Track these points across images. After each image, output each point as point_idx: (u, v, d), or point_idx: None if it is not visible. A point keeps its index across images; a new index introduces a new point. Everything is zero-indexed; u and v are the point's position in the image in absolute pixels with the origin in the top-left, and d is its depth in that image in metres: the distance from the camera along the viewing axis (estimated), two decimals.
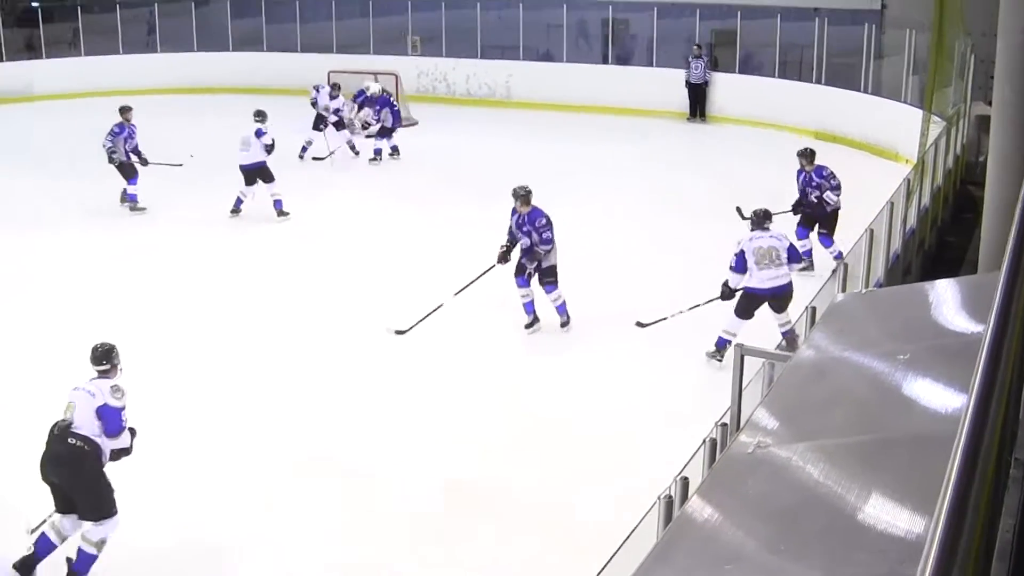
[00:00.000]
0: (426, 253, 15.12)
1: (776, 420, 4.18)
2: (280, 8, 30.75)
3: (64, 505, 7.81)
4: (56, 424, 7.75)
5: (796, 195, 14.23)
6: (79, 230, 16.74)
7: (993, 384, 2.11)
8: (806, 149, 14.41)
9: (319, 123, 22.00)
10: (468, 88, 28.79)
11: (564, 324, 12.39)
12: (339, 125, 21.99)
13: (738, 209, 15.07)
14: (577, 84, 27.37)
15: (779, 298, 11.23)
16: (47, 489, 7.80)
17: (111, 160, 17.49)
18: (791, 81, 24.94)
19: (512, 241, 12.24)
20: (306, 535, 8.56)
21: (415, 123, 25.69)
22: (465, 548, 8.46)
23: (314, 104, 22.11)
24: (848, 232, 11.90)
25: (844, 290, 9.44)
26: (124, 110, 17.76)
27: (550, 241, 12.00)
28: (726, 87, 25.72)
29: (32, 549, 7.84)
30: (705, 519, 3.63)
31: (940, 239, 15.87)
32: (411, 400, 10.90)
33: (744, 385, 6.53)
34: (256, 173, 17.34)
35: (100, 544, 7.81)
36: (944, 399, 3.83)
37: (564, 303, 12.33)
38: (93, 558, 7.80)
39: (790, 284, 11.25)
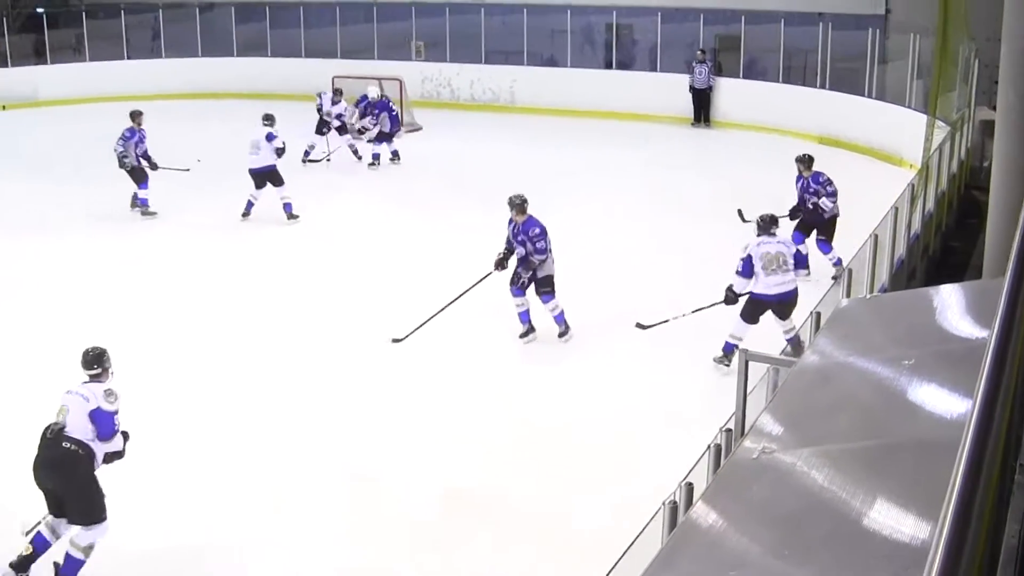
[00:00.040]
0: (430, 259, 15.12)
1: (781, 425, 4.18)
2: (284, 13, 30.78)
3: (57, 508, 7.83)
4: (49, 427, 7.77)
5: (796, 201, 14.24)
6: (87, 234, 16.80)
7: (998, 389, 2.11)
8: (804, 155, 14.41)
9: (322, 128, 22.03)
10: (472, 93, 28.81)
11: (562, 334, 12.30)
12: (341, 130, 22.02)
13: (739, 212, 15.08)
14: (581, 89, 27.38)
15: (784, 305, 11.22)
16: (40, 491, 7.83)
17: (122, 164, 17.54)
18: (795, 86, 24.94)
19: (510, 249, 12.20)
20: (308, 539, 8.57)
21: (419, 128, 25.72)
22: (462, 555, 8.46)
23: (319, 110, 22.15)
24: (852, 237, 11.89)
25: (848, 295, 9.44)
26: (135, 114, 17.83)
27: (544, 251, 11.95)
28: (730, 92, 25.72)
29: (30, 549, 7.85)
30: (710, 525, 3.62)
31: (944, 244, 15.87)
32: (412, 406, 10.91)
33: (749, 390, 6.52)
34: (266, 176, 17.43)
35: (88, 550, 7.82)
36: (949, 404, 3.83)
37: (562, 313, 12.26)
38: (80, 563, 7.82)
39: (796, 291, 11.24)
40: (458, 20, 29.23)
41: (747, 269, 11.19)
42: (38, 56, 30.48)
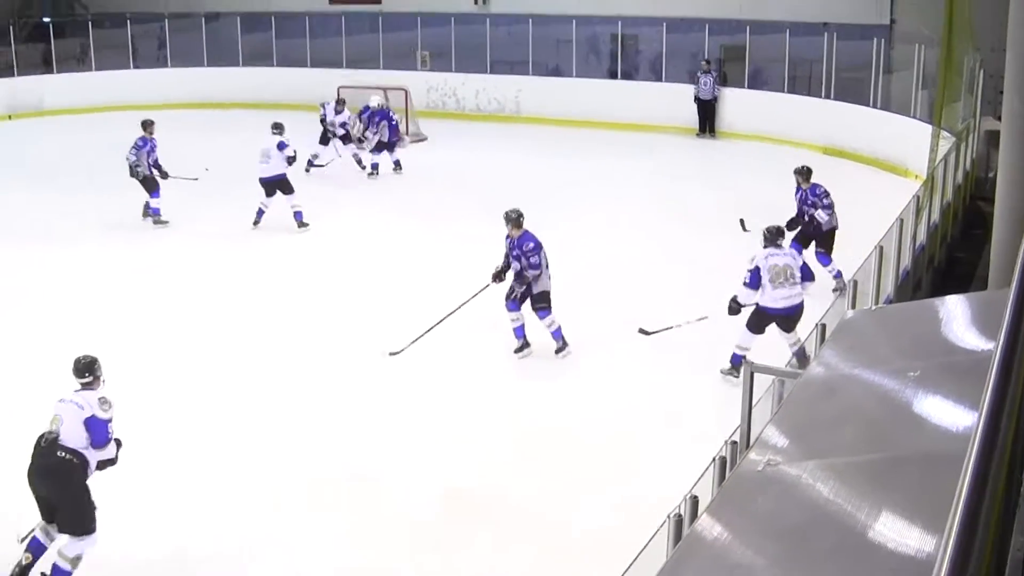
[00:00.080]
0: (434, 269, 15.12)
1: (786, 438, 4.17)
2: (290, 23, 30.83)
3: (49, 515, 7.90)
4: (43, 436, 7.83)
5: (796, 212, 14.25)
6: (96, 244, 16.85)
7: (1004, 401, 2.11)
8: (802, 167, 14.41)
9: (326, 138, 22.07)
10: (477, 103, 28.85)
11: (559, 350, 12.20)
12: (345, 139, 22.05)
13: (741, 221, 15.11)
14: (586, 99, 27.41)
15: (790, 318, 11.21)
16: (34, 497, 7.90)
17: (134, 174, 17.61)
18: (800, 96, 24.95)
19: (508, 262, 12.20)
20: (308, 540, 8.62)
21: (424, 139, 25.75)
22: (462, 556, 8.50)
23: (323, 120, 22.18)
24: (857, 248, 11.89)
25: (854, 307, 9.44)
26: (146, 124, 17.91)
27: (538, 266, 11.87)
28: (735, 102, 25.73)
29: (30, 558, 7.90)
30: (715, 537, 3.62)
31: (950, 255, 15.85)
32: (413, 410, 10.98)
33: (754, 403, 6.52)
34: (276, 185, 17.55)
35: (76, 560, 7.85)
36: (954, 416, 3.82)
37: (559, 329, 12.17)
38: (67, 575, 7.85)
39: (802, 304, 11.23)
40: (463, 30, 29.26)
41: (754, 281, 11.17)
42: (44, 65, 30.54)
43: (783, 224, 13.17)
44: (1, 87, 28.92)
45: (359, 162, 21.98)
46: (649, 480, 9.39)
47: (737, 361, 11.14)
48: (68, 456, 7.74)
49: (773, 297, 11.14)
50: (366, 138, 21.96)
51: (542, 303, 12.04)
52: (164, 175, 17.83)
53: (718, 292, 11.83)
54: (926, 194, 14.30)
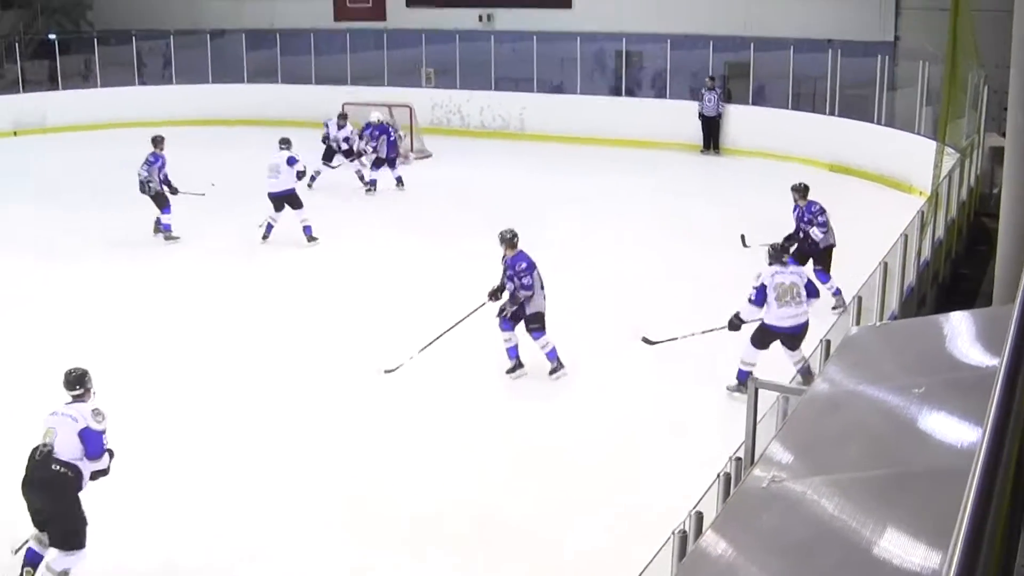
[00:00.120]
0: (438, 285, 15.10)
1: (791, 454, 4.17)
2: (294, 40, 30.90)
3: (41, 525, 7.96)
4: (37, 449, 7.88)
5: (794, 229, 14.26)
6: (101, 260, 16.96)
7: (1008, 417, 2.10)
8: (799, 184, 14.43)
9: (329, 155, 22.12)
10: (482, 120, 28.88)
11: (553, 371, 12.10)
12: (348, 154, 22.08)
13: (742, 237, 15.11)
14: (591, 116, 27.43)
15: (795, 337, 11.21)
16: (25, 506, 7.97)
17: (146, 190, 17.70)
18: (804, 113, 24.97)
19: (504, 281, 12.14)
20: (301, 558, 8.65)
21: (429, 155, 25.77)
22: (454, 575, 8.52)
23: (325, 140, 22.25)
24: (862, 264, 11.89)
25: (858, 323, 9.42)
26: (157, 140, 18.02)
27: (530, 287, 11.80)
28: (739, 119, 25.75)
29: (31, 573, 7.95)
30: (719, 554, 3.61)
31: (954, 271, 15.84)
32: (407, 428, 11.01)
33: (758, 419, 6.51)
34: (285, 199, 17.69)
35: (63, 575, 7.89)
36: (959, 432, 3.81)
37: (554, 350, 12.08)
38: None
39: (807, 323, 11.22)
40: (468, 47, 29.32)
41: (760, 298, 11.16)
42: (49, 82, 30.62)
43: (780, 241, 13.19)
44: (6, 104, 29.00)
45: (361, 178, 22.00)
46: (644, 500, 9.41)
47: (743, 378, 11.11)
48: (63, 469, 7.80)
49: (779, 316, 11.13)
50: (365, 152, 21.96)
51: (535, 324, 11.97)
52: (174, 191, 17.95)
53: (721, 308, 11.83)
54: (930, 210, 14.30)
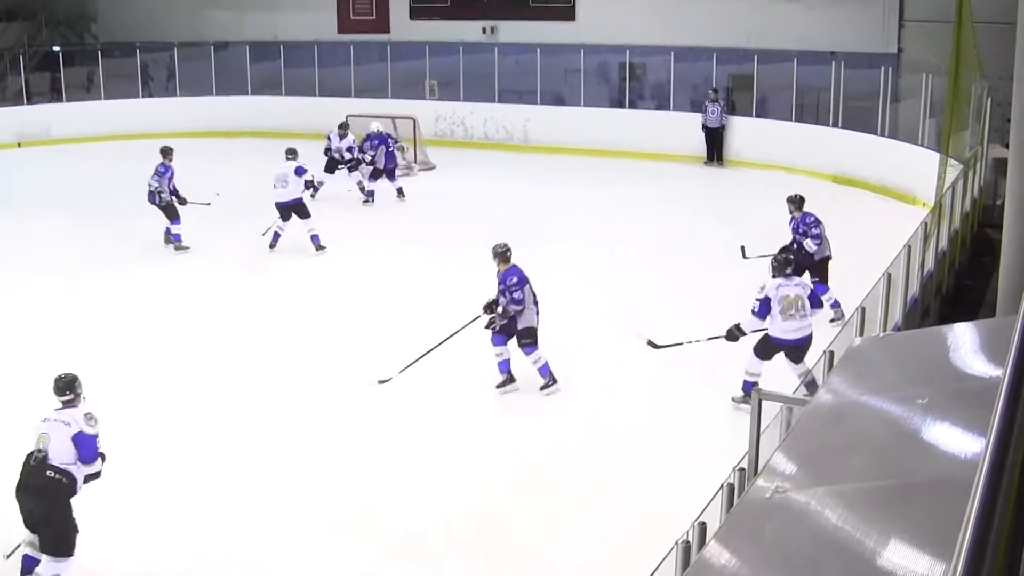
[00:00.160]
0: (440, 296, 15.10)
1: (794, 465, 4.16)
2: (299, 52, 30.94)
3: (33, 528, 8.05)
4: (31, 455, 7.95)
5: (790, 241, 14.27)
6: (104, 269, 16.99)
7: (1011, 428, 2.10)
8: (795, 195, 14.45)
9: (331, 167, 22.16)
10: (486, 132, 28.90)
11: (544, 387, 12.02)
12: (350, 164, 22.10)
13: (742, 248, 15.10)
14: (594, 128, 27.44)
15: (799, 350, 11.20)
16: (17, 511, 8.05)
17: (158, 200, 17.83)
18: (808, 125, 24.97)
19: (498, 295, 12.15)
20: (288, 564, 8.76)
21: (433, 167, 25.79)
22: None
23: (327, 151, 22.29)
24: (865, 275, 11.88)
25: (862, 334, 9.41)
26: (166, 151, 18.12)
27: (520, 301, 11.74)
28: (743, 131, 25.75)
29: None
30: (723, 564, 3.60)
31: (958, 282, 15.83)
32: (399, 440, 11.04)
33: (762, 429, 6.50)
34: (292, 209, 17.83)
35: None
36: (963, 443, 3.81)
37: (546, 365, 12.01)
38: None
39: (811, 336, 11.22)
40: (471, 59, 29.36)
41: (763, 311, 11.15)
42: (54, 94, 30.68)
43: (776, 252, 13.21)
44: (10, 115, 29.05)
45: (362, 189, 22.02)
46: (638, 514, 9.40)
47: (748, 389, 11.09)
48: (57, 476, 7.87)
49: (783, 328, 11.12)
50: (364, 160, 21.95)
51: (527, 339, 11.92)
52: (182, 201, 18.04)
53: (724, 319, 11.83)
54: (934, 221, 14.30)
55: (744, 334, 11.41)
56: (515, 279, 11.76)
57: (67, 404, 8.16)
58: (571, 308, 14.49)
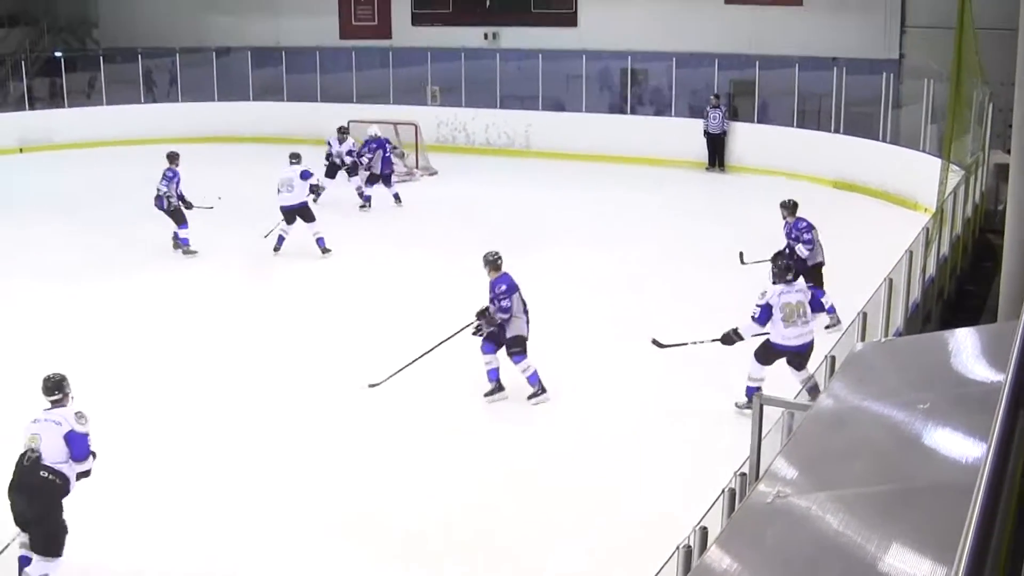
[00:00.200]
0: (441, 301, 15.07)
1: (795, 469, 4.16)
2: (300, 58, 30.96)
3: (23, 527, 8.09)
4: (24, 455, 7.99)
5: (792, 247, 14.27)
6: (106, 276, 16.99)
7: (1012, 432, 2.10)
8: (788, 200, 14.46)
9: (332, 171, 22.19)
10: (487, 138, 28.91)
11: (532, 396, 11.93)
12: (352, 169, 22.13)
13: (740, 254, 15.10)
14: (596, 134, 27.44)
15: (801, 356, 11.18)
16: (7, 509, 8.12)
17: (166, 204, 17.90)
18: (809, 130, 24.97)
19: None
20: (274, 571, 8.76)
21: (435, 173, 25.78)
22: None
23: (329, 157, 22.32)
24: (866, 281, 11.88)
25: (863, 339, 9.41)
26: (173, 156, 18.25)
27: (507, 310, 11.66)
28: (745, 136, 25.75)
29: None
30: (724, 569, 3.60)
31: (959, 288, 15.81)
32: (387, 447, 11.03)
33: (763, 434, 6.50)
34: (297, 213, 17.95)
35: None
36: (964, 448, 3.81)
37: (535, 373, 11.92)
38: None
39: (812, 342, 11.21)
40: (473, 65, 29.36)
41: (763, 317, 11.12)
42: (56, 99, 30.70)
43: (771, 257, 13.21)
44: (12, 120, 29.06)
45: (361, 194, 22.02)
46: (636, 522, 9.38)
47: (752, 394, 11.08)
48: (51, 476, 7.95)
49: (785, 335, 11.11)
50: (361, 164, 21.95)
51: (516, 347, 11.85)
52: (188, 206, 18.14)
53: (725, 323, 11.80)
54: (935, 227, 14.29)
55: (742, 339, 11.39)
56: (504, 287, 11.71)
57: (56, 404, 8.23)
58: (572, 313, 14.50)
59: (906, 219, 18.86)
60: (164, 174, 17.88)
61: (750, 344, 11.44)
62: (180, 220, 18.03)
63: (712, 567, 3.64)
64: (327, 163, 22.35)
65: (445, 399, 12.10)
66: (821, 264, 14.01)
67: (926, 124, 21.69)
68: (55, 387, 8.28)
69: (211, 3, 32.37)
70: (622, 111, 28.69)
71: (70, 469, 8.02)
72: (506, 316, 11.71)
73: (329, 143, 22.52)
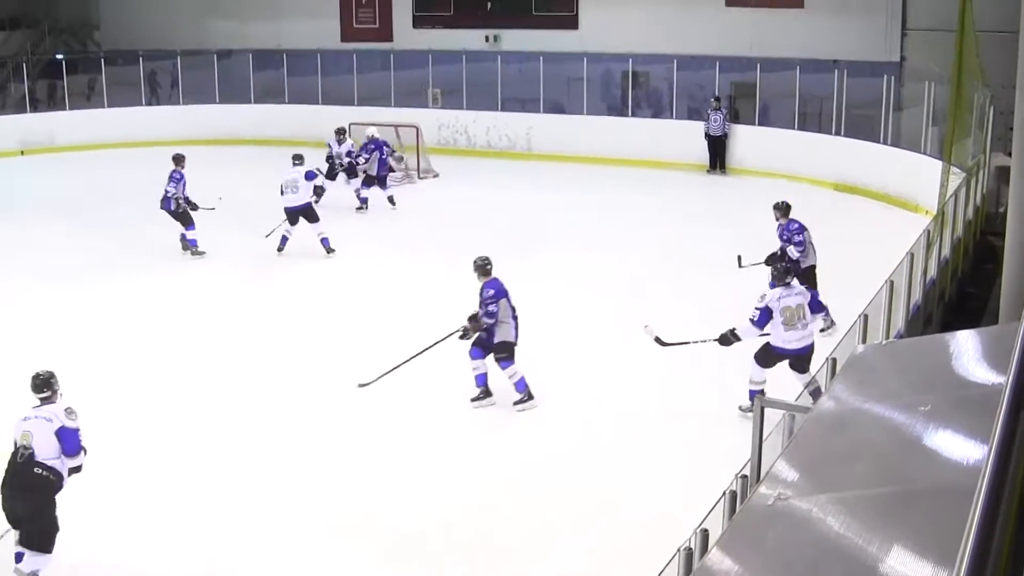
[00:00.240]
0: (438, 303, 15.04)
1: (797, 472, 4.16)
2: (302, 61, 30.96)
3: (15, 523, 8.16)
4: (18, 452, 8.03)
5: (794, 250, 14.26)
6: (107, 278, 17.01)
7: (1013, 435, 2.10)
8: (780, 202, 14.44)
9: (332, 173, 22.20)
10: (488, 140, 28.90)
11: (519, 402, 11.86)
12: (350, 170, 22.14)
13: (738, 257, 15.09)
14: (597, 136, 27.45)
15: (802, 359, 11.17)
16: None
17: (173, 206, 17.98)
18: (811, 133, 24.96)
19: None
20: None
21: (436, 175, 25.77)
22: None
23: (329, 158, 22.34)
24: (867, 283, 11.87)
25: (864, 341, 9.41)
26: (178, 158, 18.31)
27: (494, 315, 11.61)
28: (746, 139, 25.74)
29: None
30: (725, 571, 3.60)
31: (960, 290, 15.81)
32: (380, 449, 11.02)
33: (764, 437, 6.50)
34: (301, 213, 18.02)
35: None
36: (965, 450, 3.81)
37: (523, 379, 11.86)
38: None
39: (812, 345, 11.20)
40: (474, 68, 29.36)
41: (763, 320, 11.09)
42: (57, 102, 30.71)
43: (763, 260, 13.19)
44: (13, 123, 29.08)
45: (358, 195, 22.00)
46: (636, 523, 9.37)
47: (754, 397, 11.07)
48: (45, 473, 8.00)
49: (786, 339, 11.09)
50: (358, 164, 21.94)
51: (502, 353, 11.82)
52: (194, 207, 18.19)
53: (726, 325, 11.79)
54: (936, 229, 14.28)
55: (739, 340, 11.36)
56: (491, 292, 11.67)
57: (45, 401, 8.27)
58: (573, 314, 14.50)
59: (907, 221, 18.85)
60: (171, 176, 17.94)
61: (750, 345, 11.43)
62: (187, 222, 18.09)
63: (713, 569, 3.64)
64: (327, 165, 22.33)
65: (445, 400, 12.09)
66: (813, 266, 14.00)
67: (927, 127, 21.69)
68: (43, 384, 8.32)
69: (212, 6, 32.40)
70: (623, 113, 28.67)
71: (62, 465, 8.08)
72: (491, 322, 11.66)
73: (329, 145, 22.53)
